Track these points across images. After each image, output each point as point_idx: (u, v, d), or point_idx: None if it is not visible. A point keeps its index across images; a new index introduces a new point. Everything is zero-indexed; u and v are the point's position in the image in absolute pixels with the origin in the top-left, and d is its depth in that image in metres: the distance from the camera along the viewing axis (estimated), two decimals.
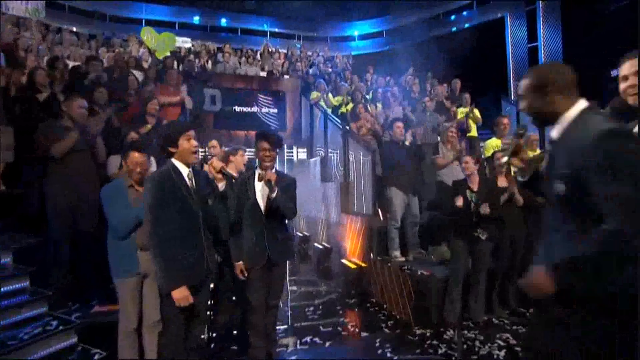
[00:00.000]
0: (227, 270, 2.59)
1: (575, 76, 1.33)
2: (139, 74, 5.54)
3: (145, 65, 6.71)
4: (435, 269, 3.58)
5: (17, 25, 7.44)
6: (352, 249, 4.70)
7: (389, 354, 2.78)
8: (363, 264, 4.33)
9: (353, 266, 4.44)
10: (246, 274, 2.36)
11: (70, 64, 5.65)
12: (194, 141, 1.99)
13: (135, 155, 2.28)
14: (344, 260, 4.69)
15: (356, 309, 3.74)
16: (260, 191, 2.39)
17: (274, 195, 2.30)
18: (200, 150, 6.32)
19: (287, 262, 2.65)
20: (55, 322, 2.39)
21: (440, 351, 2.84)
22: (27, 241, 2.94)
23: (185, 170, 2.00)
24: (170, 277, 1.87)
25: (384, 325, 3.30)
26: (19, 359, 2.07)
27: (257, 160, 2.44)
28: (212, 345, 2.72)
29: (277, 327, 3.15)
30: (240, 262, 2.37)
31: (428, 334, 3.10)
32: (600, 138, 1.17)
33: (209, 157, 3.65)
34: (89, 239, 2.93)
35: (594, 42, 8.85)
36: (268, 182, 2.29)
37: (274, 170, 2.38)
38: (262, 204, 2.38)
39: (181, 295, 1.87)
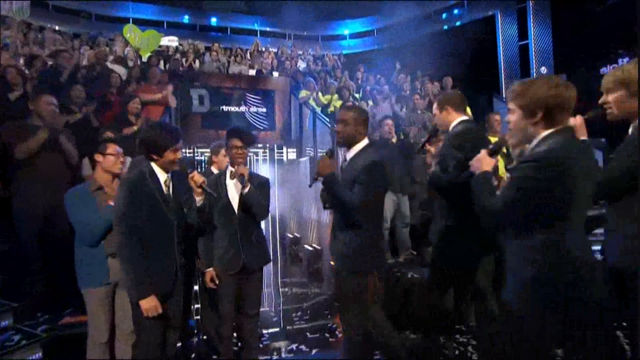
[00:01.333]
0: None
1: None
2: (122, 70, 5.36)
3: (131, 64, 6.53)
4: (425, 271, 3.47)
5: None
6: None
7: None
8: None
9: None
10: (217, 282, 2.21)
11: (50, 62, 5.46)
12: (180, 153, 1.92)
13: (109, 157, 2.15)
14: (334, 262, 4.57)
15: None
16: (232, 190, 2.26)
17: (246, 190, 2.16)
18: (186, 152, 6.18)
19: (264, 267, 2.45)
20: (17, 336, 2.23)
21: (432, 357, 2.74)
22: None
23: (163, 176, 1.92)
24: (139, 286, 1.79)
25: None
26: None
27: (229, 158, 2.31)
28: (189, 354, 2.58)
29: (267, 331, 3.06)
30: (211, 269, 2.22)
31: (419, 339, 2.99)
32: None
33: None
34: (62, 245, 2.76)
35: (584, 40, 8.87)
36: (240, 177, 2.16)
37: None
38: (234, 203, 2.24)
39: (149, 304, 1.80)
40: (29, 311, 2.61)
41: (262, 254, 2.35)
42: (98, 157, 2.17)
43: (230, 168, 2.28)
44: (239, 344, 2.43)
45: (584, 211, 1.35)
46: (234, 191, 2.25)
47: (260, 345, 2.83)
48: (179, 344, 2.12)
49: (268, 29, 14.66)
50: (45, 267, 2.76)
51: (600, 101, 1.66)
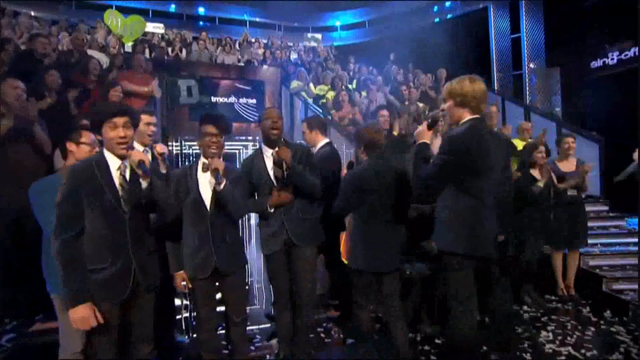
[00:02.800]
0: None
1: None
2: (103, 58, 5.06)
3: (113, 52, 6.20)
4: (422, 267, 3.34)
5: None
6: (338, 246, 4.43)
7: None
8: (347, 262, 4.07)
9: None
10: (189, 286, 2.00)
11: (23, 47, 5.12)
12: (121, 130, 1.65)
13: (83, 145, 1.92)
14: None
15: (341, 312, 3.47)
16: (204, 184, 2.01)
17: (221, 187, 1.91)
18: (173, 145, 5.92)
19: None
20: None
21: (432, 357, 2.62)
22: None
23: (115, 163, 1.68)
24: (70, 291, 1.53)
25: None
26: None
27: (200, 148, 2.04)
28: None
29: (259, 327, 2.94)
30: (181, 272, 2.00)
31: (418, 339, 2.88)
32: None
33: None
34: (33, 243, 2.53)
35: (576, 33, 8.84)
36: (215, 172, 1.90)
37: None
38: (206, 199, 1.99)
39: (80, 315, 1.53)
40: None
41: (237, 255, 2.09)
42: (70, 146, 1.93)
43: (202, 159, 2.03)
44: (229, 347, 2.26)
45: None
46: (206, 186, 2.00)
47: (252, 349, 2.67)
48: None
49: (257, 19, 14.30)
50: (13, 269, 2.52)
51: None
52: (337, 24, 14.68)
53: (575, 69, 9.05)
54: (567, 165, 3.76)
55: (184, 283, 2.03)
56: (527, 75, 10.66)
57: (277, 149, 2.23)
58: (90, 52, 5.22)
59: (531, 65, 10.65)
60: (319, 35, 13.11)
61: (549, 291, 3.73)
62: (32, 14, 9.08)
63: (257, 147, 2.41)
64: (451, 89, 1.97)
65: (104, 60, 5.14)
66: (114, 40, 6.81)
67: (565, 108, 9.32)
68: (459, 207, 1.88)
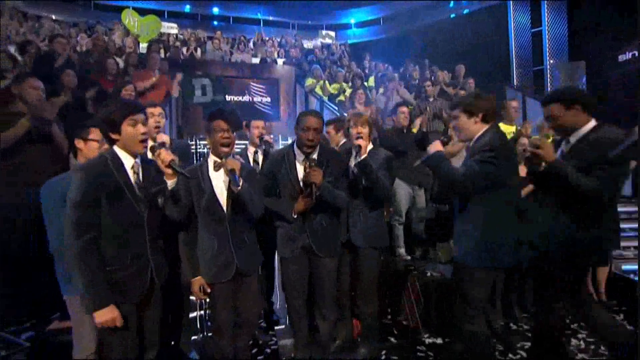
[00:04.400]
0: None
1: None
2: (120, 60, 5.12)
3: (130, 50, 6.26)
4: (446, 269, 3.23)
5: None
6: None
7: None
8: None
9: None
10: (208, 291, 1.91)
11: (45, 49, 5.21)
12: (142, 127, 1.60)
13: (92, 142, 1.87)
14: None
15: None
16: (218, 184, 1.91)
17: (239, 188, 1.81)
18: (190, 143, 5.95)
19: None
20: None
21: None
22: None
23: (129, 161, 1.62)
24: (95, 294, 1.50)
25: (389, 333, 2.96)
26: None
27: (211, 145, 1.94)
28: None
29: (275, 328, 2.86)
30: (199, 277, 1.90)
31: (439, 343, 2.76)
32: None
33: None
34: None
35: (601, 26, 8.46)
36: (231, 173, 1.80)
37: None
38: (222, 200, 1.90)
39: (106, 317, 1.50)
40: (14, 316, 2.39)
41: (256, 255, 2.04)
42: (79, 143, 1.89)
43: (212, 157, 1.93)
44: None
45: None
46: (220, 186, 1.91)
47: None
48: None
49: (271, 18, 14.29)
50: (30, 269, 2.52)
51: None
52: (352, 21, 14.53)
53: (601, 63, 8.64)
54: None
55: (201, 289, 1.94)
56: (548, 70, 10.27)
57: (307, 169, 2.07)
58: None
59: (551, 61, 10.28)
60: (332, 32, 12.99)
61: None
62: (53, 17, 9.30)
63: (290, 144, 2.28)
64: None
65: (121, 62, 5.19)
66: (130, 40, 6.89)
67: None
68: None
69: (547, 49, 10.59)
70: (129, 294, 1.58)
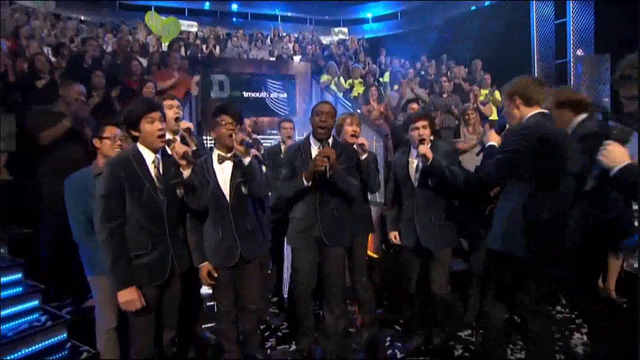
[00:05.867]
0: None
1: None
2: (144, 61, 5.39)
3: (153, 50, 6.55)
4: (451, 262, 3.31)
5: (27, 15, 7.40)
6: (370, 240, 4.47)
7: (398, 354, 2.57)
8: (374, 255, 4.11)
9: (376, 256, 4.23)
10: (215, 276, 2.05)
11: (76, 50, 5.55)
12: (159, 123, 1.77)
13: (106, 140, 2.03)
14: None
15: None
16: (222, 176, 2.07)
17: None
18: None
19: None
20: (44, 317, 2.28)
21: (456, 353, 2.61)
22: (23, 232, 2.83)
23: (150, 157, 1.81)
24: (118, 276, 1.68)
25: (395, 322, 3.08)
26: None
27: (215, 139, 2.11)
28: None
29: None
30: (206, 262, 2.03)
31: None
32: None
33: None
34: None
35: (631, 16, 8.12)
36: (242, 143, 2.00)
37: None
38: (225, 190, 2.06)
39: (127, 298, 1.67)
40: (56, 293, 2.67)
41: (258, 242, 2.18)
42: (96, 142, 2.08)
43: (217, 151, 2.09)
44: (240, 337, 2.30)
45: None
46: (224, 177, 2.07)
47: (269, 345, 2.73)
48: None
49: (289, 13, 14.42)
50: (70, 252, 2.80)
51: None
52: (369, 15, 14.46)
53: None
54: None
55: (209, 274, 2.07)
56: (572, 64, 9.91)
57: (319, 153, 2.14)
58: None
59: (579, 53, 9.93)
60: (345, 29, 12.99)
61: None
62: (82, 18, 9.75)
63: (307, 136, 2.39)
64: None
65: (144, 61, 5.45)
66: (154, 40, 7.19)
67: (616, 98, 8.64)
68: None
69: (571, 41, 10.24)
70: (151, 278, 1.76)
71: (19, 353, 2.02)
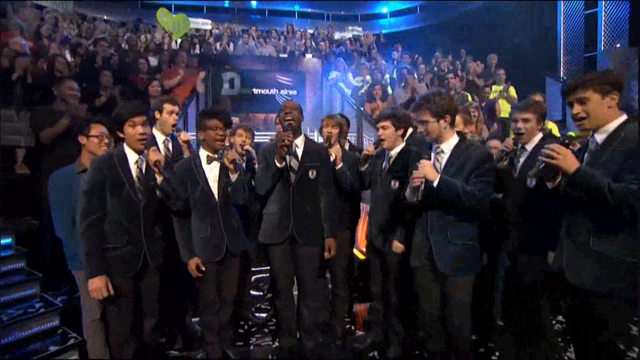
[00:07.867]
0: None
1: None
2: (152, 59, 5.54)
3: (165, 47, 6.73)
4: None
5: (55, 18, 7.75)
6: (362, 238, 4.45)
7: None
8: (362, 257, 4.07)
9: (362, 256, 4.20)
10: (203, 269, 2.13)
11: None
12: (140, 128, 1.86)
13: (92, 138, 2.11)
14: (354, 250, 4.45)
15: (359, 305, 3.50)
16: (211, 176, 2.16)
17: (235, 177, 2.08)
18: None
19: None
20: (39, 304, 2.43)
21: None
22: (28, 223, 3.01)
23: (133, 157, 1.90)
24: (91, 266, 1.78)
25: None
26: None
27: (203, 141, 2.17)
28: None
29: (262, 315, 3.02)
30: (195, 257, 2.11)
31: None
32: None
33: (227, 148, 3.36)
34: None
35: None
36: (233, 163, 2.08)
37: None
38: (214, 190, 2.16)
39: (96, 285, 1.77)
40: (56, 282, 2.84)
41: (242, 237, 2.30)
42: (82, 139, 2.15)
43: (204, 152, 2.16)
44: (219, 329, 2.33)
45: None
46: (213, 177, 2.16)
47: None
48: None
49: (307, 9, 14.38)
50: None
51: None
52: (385, 10, 14.20)
53: None
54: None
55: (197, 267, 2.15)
56: (602, 58, 9.34)
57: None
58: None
59: (618, 45, 9.31)
60: (359, 28, 12.83)
61: None
62: (105, 17, 10.13)
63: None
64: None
65: (153, 60, 5.60)
66: (168, 38, 7.40)
67: None
68: None
69: (602, 34, 9.64)
70: (123, 270, 1.87)
71: (11, 337, 2.16)
